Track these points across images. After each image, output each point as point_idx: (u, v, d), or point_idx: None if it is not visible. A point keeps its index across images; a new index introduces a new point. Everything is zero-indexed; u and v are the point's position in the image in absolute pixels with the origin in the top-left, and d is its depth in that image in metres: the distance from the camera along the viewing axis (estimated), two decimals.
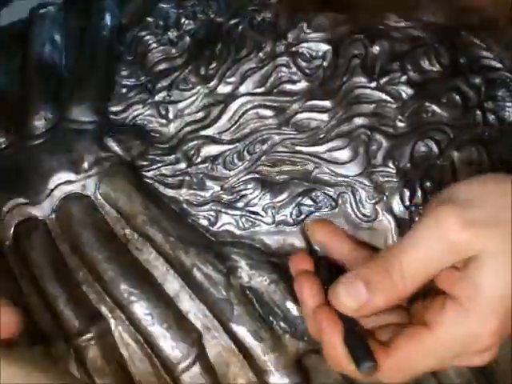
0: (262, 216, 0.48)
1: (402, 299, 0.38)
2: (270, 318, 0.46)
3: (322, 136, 0.48)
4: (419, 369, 0.38)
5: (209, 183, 0.48)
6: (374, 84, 0.48)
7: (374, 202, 0.47)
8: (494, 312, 0.36)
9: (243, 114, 0.49)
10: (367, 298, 0.37)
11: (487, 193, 0.37)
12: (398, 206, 0.46)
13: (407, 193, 0.46)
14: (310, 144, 0.48)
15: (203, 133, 0.49)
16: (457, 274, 0.37)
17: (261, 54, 0.49)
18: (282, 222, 0.47)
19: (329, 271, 0.41)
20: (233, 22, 0.50)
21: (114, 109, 0.50)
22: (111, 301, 0.46)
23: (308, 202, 0.47)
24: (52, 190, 0.48)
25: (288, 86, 0.49)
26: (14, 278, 0.47)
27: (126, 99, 0.50)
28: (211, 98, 0.49)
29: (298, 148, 0.48)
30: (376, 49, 0.48)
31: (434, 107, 0.47)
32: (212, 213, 0.48)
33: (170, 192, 0.49)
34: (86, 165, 0.48)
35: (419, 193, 0.46)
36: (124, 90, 0.51)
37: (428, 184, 0.46)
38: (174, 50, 0.51)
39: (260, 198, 0.48)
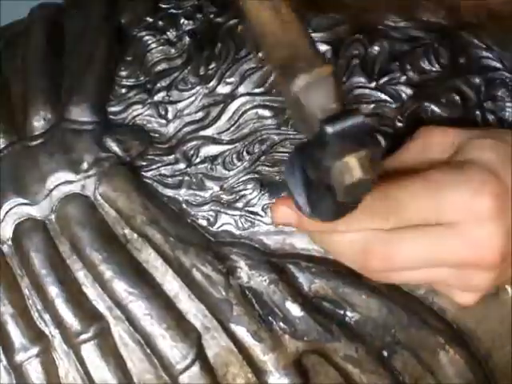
0: (262, 216, 0.48)
1: None
2: (270, 318, 0.46)
3: None
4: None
5: (208, 183, 0.48)
6: (373, 84, 0.48)
7: None
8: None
9: (242, 114, 0.49)
10: None
11: None
12: None
13: None
14: None
15: (202, 133, 0.49)
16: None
17: (260, 54, 0.49)
18: None
19: None
20: (232, 22, 0.50)
21: (113, 109, 0.50)
22: (110, 301, 0.46)
23: None
24: (51, 190, 0.48)
25: None
26: (14, 278, 0.47)
27: (125, 99, 0.50)
28: (210, 98, 0.49)
29: None
30: (375, 49, 0.48)
31: (434, 107, 0.47)
32: (211, 213, 0.48)
33: (169, 192, 0.49)
34: (85, 165, 0.48)
35: None
36: (123, 90, 0.50)
37: None
38: (173, 51, 0.51)
39: (259, 198, 0.48)
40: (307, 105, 0.32)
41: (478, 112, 0.47)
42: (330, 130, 0.32)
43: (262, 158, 0.48)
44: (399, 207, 0.37)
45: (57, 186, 0.48)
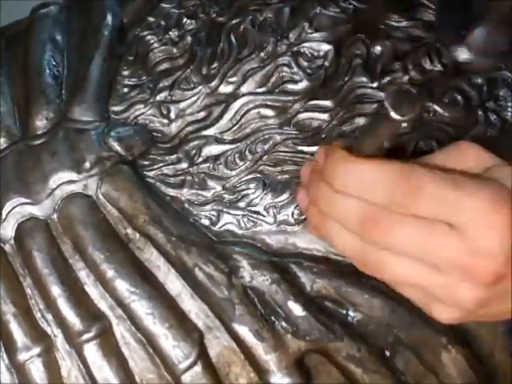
0: (264, 216, 0.48)
1: None
2: (272, 318, 0.46)
3: (323, 136, 0.48)
4: None
5: (210, 183, 0.48)
6: (375, 84, 0.48)
7: None
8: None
9: (245, 113, 0.49)
10: None
11: None
12: None
13: None
14: (312, 144, 0.48)
15: (205, 132, 0.49)
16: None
17: (262, 54, 0.49)
18: (283, 222, 0.47)
19: None
20: (234, 21, 0.50)
21: (115, 108, 0.50)
22: (112, 300, 0.46)
23: None
24: (53, 190, 0.48)
25: (289, 86, 0.49)
26: (16, 278, 0.47)
27: (127, 99, 0.50)
28: (213, 97, 0.49)
29: (299, 148, 0.48)
30: (377, 49, 0.48)
31: (436, 107, 0.47)
32: (214, 212, 0.48)
33: (171, 192, 0.49)
34: (87, 164, 0.48)
35: None
36: (125, 90, 0.51)
37: None
38: (175, 50, 0.51)
39: (261, 198, 0.48)
40: None
41: (480, 112, 0.47)
42: None
43: (265, 157, 0.48)
44: (419, 190, 0.36)
45: (59, 185, 0.48)
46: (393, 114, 0.34)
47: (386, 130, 0.36)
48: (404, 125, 0.33)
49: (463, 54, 0.35)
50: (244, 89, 0.49)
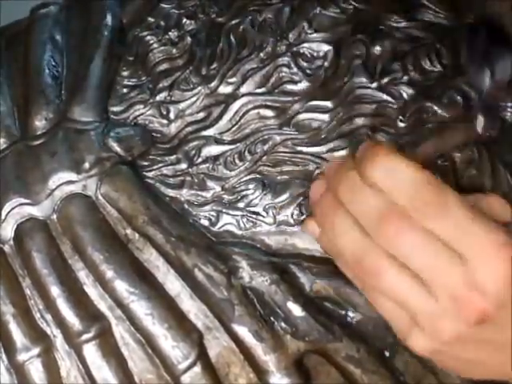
0: (263, 216, 0.48)
1: None
2: (271, 319, 0.46)
3: (323, 136, 0.48)
4: None
5: (210, 183, 0.48)
6: (375, 84, 0.48)
7: None
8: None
9: (244, 114, 0.49)
10: None
11: None
12: None
13: None
14: (311, 144, 0.48)
15: (204, 133, 0.49)
16: None
17: (262, 55, 0.49)
18: (283, 223, 0.47)
19: None
20: (234, 22, 0.50)
21: (114, 109, 0.50)
22: (112, 300, 0.46)
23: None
24: (53, 190, 0.48)
25: (289, 87, 0.49)
26: (16, 278, 0.47)
27: (126, 99, 0.50)
28: (212, 98, 0.49)
29: (298, 148, 0.48)
30: (377, 49, 0.48)
31: (435, 107, 0.47)
32: (213, 213, 0.48)
33: (170, 192, 0.49)
34: (86, 165, 0.48)
35: None
36: (125, 90, 0.51)
37: None
38: (174, 51, 0.51)
39: (261, 199, 0.48)
40: None
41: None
42: None
43: (264, 158, 0.48)
44: (444, 208, 0.37)
45: (59, 185, 0.48)
46: (479, 129, 0.34)
47: (458, 139, 0.36)
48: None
49: (486, 83, 0.36)
50: (243, 89, 0.49)
